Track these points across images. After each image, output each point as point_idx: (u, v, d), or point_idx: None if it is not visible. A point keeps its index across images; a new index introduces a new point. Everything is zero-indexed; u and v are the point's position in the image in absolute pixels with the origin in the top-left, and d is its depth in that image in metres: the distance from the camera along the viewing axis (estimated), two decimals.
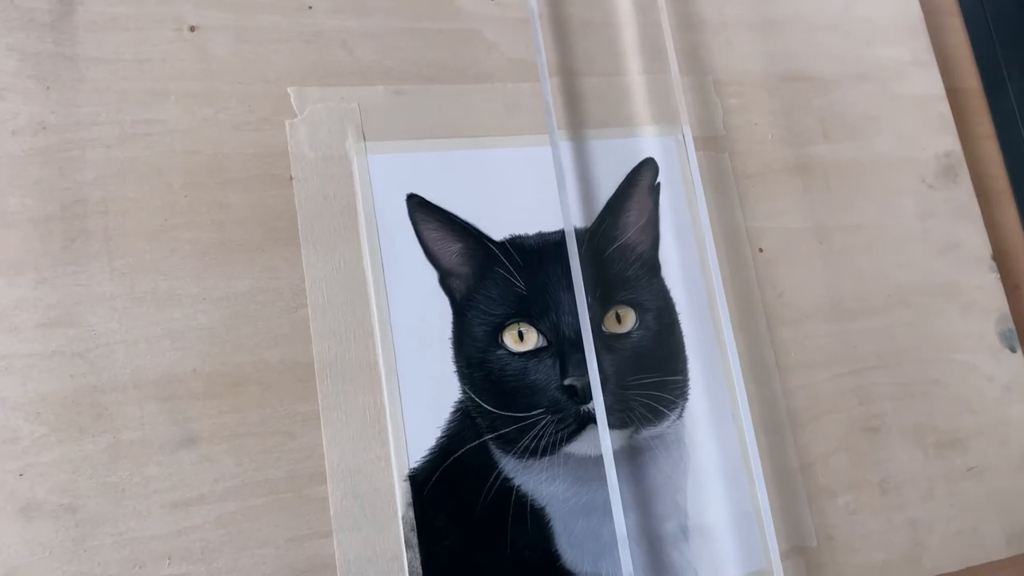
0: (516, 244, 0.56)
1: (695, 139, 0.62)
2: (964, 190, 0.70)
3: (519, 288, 0.55)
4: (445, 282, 0.54)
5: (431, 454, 0.51)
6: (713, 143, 0.64)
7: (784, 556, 0.56)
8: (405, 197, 0.55)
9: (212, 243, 0.51)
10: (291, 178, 0.54)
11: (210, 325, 0.50)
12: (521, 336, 0.54)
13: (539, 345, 0.54)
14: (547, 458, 0.53)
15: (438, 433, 0.52)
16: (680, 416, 0.57)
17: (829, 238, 0.65)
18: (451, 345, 0.53)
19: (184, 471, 0.47)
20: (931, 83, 0.73)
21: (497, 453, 0.53)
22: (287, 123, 0.54)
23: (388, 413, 0.51)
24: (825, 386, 0.62)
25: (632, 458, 0.55)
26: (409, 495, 0.50)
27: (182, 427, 0.48)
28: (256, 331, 0.50)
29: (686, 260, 0.60)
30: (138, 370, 0.48)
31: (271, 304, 0.51)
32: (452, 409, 0.52)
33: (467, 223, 0.56)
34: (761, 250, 0.63)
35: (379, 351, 0.52)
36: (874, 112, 0.70)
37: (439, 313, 0.54)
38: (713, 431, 0.57)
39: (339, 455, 0.50)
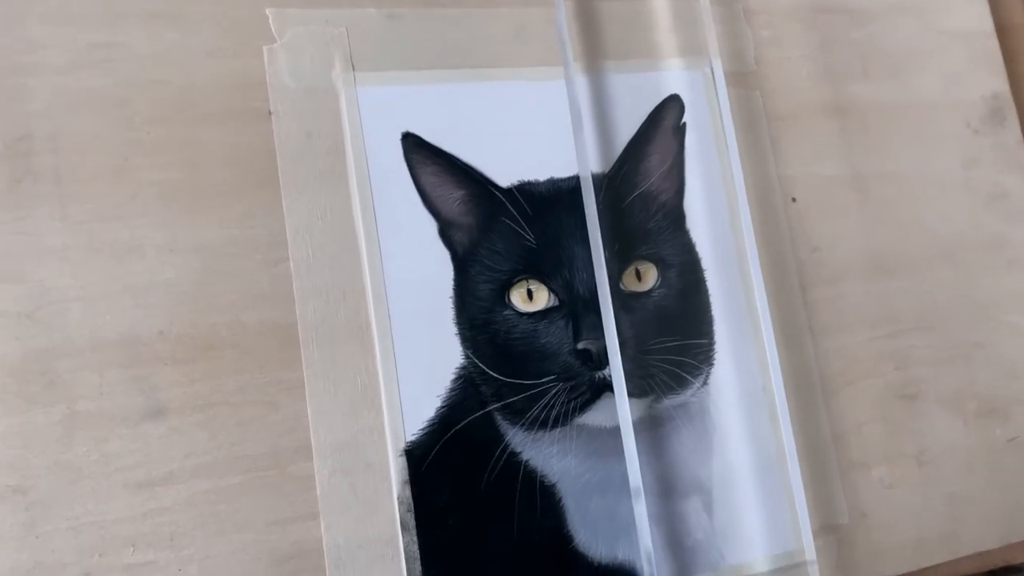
0: (525, 191, 0.50)
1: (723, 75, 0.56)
2: (1012, 135, 0.64)
3: (528, 241, 0.49)
4: (445, 234, 0.48)
5: (430, 426, 0.46)
6: (743, 79, 0.57)
7: (815, 535, 0.51)
8: (400, 137, 0.48)
9: (180, 186, 0.45)
10: (270, 113, 0.47)
11: (178, 280, 0.44)
12: (530, 295, 0.48)
13: (550, 305, 0.49)
14: (558, 430, 0.48)
15: (438, 403, 0.46)
16: (705, 383, 0.51)
17: (866, 187, 0.59)
18: (452, 305, 0.47)
19: (150, 446, 0.42)
20: (979, 18, 0.66)
21: (503, 425, 0.47)
22: (265, 49, 0.48)
23: (382, 380, 0.45)
24: (860, 350, 0.56)
25: (652, 429, 0.50)
26: (406, 472, 0.45)
27: (147, 396, 0.42)
28: (231, 288, 0.44)
29: (714, 211, 0.54)
30: (96, 331, 0.42)
31: (248, 257, 0.45)
32: (453, 376, 0.47)
33: (470, 167, 0.49)
34: (794, 200, 0.57)
35: (371, 311, 0.46)
36: (917, 48, 0.63)
37: (439, 269, 0.48)
38: (740, 400, 0.52)
39: (327, 427, 0.44)
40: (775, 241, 0.55)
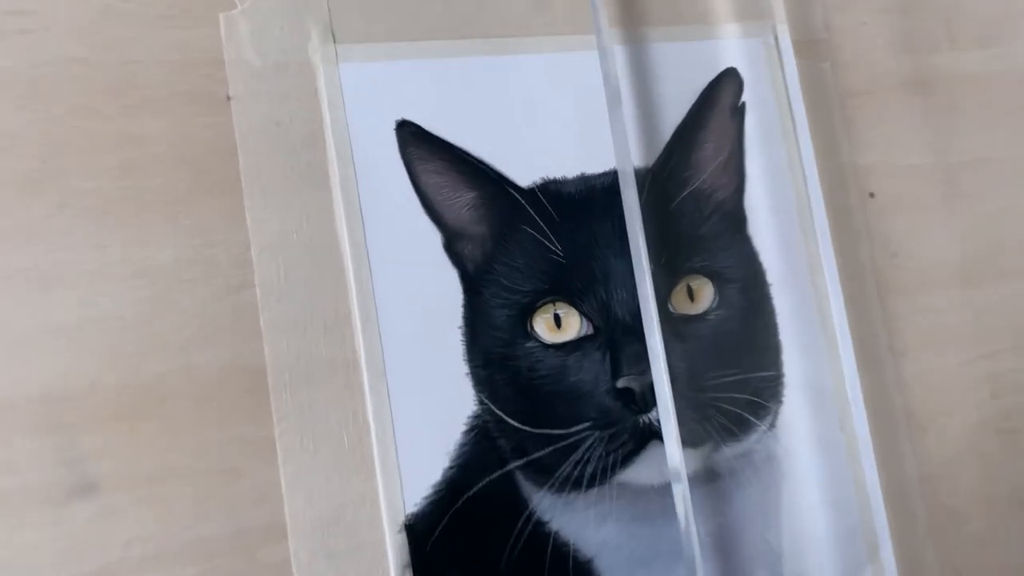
0: (550, 192, 0.40)
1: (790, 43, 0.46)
2: None
3: (555, 254, 0.39)
4: (452, 247, 0.39)
5: (437, 492, 0.36)
6: (812, 49, 0.47)
7: None
8: (394, 126, 0.39)
9: (115, 195, 0.35)
10: (228, 97, 0.37)
11: (116, 315, 0.34)
12: (558, 321, 0.39)
13: (583, 333, 0.39)
14: (595, 490, 0.39)
15: (445, 462, 0.37)
16: (772, 426, 0.42)
17: (955, 178, 0.49)
18: (462, 337, 0.38)
19: (78, 531, 0.33)
20: None
21: (527, 487, 0.38)
22: (222, 17, 0.38)
23: (374, 436, 0.36)
24: (949, 375, 0.47)
25: (710, 485, 0.40)
26: (407, 552, 0.36)
27: (74, 468, 0.33)
28: (183, 323, 0.35)
29: (780, 211, 0.44)
30: (7, 385, 0.33)
31: (203, 282, 0.36)
32: (464, 428, 0.37)
33: (482, 162, 0.40)
34: (872, 195, 0.47)
35: (360, 348, 0.37)
36: (1012, 10, 0.53)
37: (444, 292, 0.38)
38: (814, 443, 0.42)
39: (305, 498, 0.35)
40: (850, 246, 0.46)
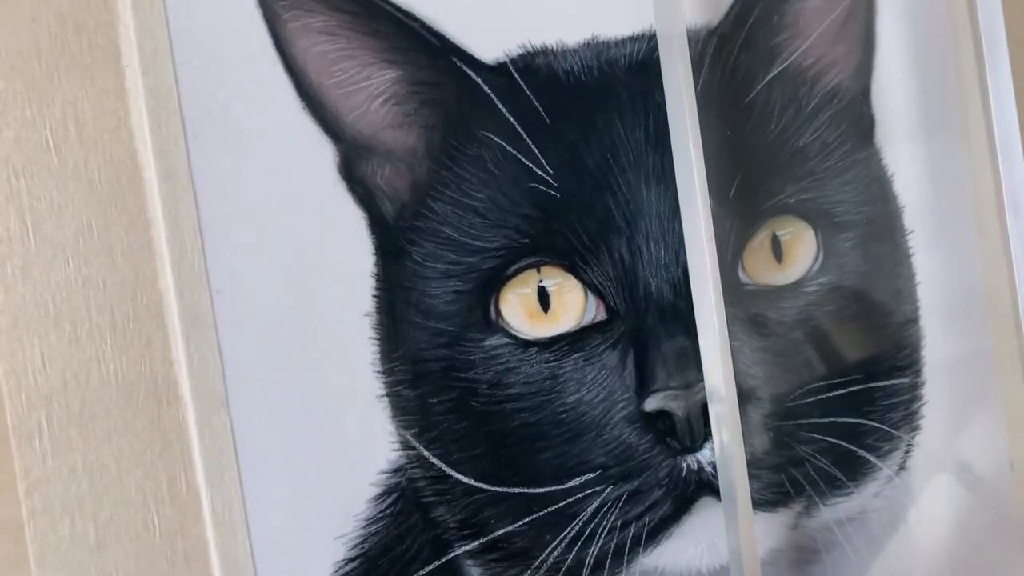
0: (535, 70, 0.23)
1: None
2: None
3: (542, 181, 0.23)
4: (355, 172, 0.22)
5: None
6: None
7: None
8: None
9: None
10: None
11: None
12: (545, 300, 0.23)
13: (588, 320, 0.23)
14: None
15: (340, 552, 0.21)
16: (902, 467, 0.25)
17: None
18: (371, 331, 0.22)
19: None
20: None
21: None
22: None
23: (208, 515, 0.20)
24: None
25: (798, 569, 0.24)
26: None
27: None
28: None
29: (934, 107, 0.26)
30: None
31: None
32: (374, 491, 0.22)
33: (410, 15, 0.22)
34: None
35: (180, 357, 0.20)
36: None
37: (336, 252, 0.22)
38: (969, 498, 0.26)
39: None
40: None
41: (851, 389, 0.25)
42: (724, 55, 0.24)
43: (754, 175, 0.24)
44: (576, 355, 0.23)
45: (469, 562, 0.22)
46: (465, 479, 0.22)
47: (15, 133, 0.20)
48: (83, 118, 0.20)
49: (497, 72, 0.23)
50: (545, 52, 0.23)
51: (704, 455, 0.23)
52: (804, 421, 0.24)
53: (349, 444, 0.21)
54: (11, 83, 0.20)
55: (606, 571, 0.23)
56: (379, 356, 0.22)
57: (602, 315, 0.23)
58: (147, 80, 0.20)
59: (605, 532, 0.23)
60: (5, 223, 0.20)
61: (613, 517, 0.23)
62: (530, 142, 0.23)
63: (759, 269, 0.24)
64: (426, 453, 0.22)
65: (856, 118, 0.25)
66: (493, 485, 0.22)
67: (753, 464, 0.23)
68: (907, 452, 0.26)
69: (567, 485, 0.23)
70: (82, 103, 0.20)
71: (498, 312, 0.23)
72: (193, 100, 0.21)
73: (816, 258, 0.25)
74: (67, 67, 0.20)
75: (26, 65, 0.20)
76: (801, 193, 0.24)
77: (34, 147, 0.20)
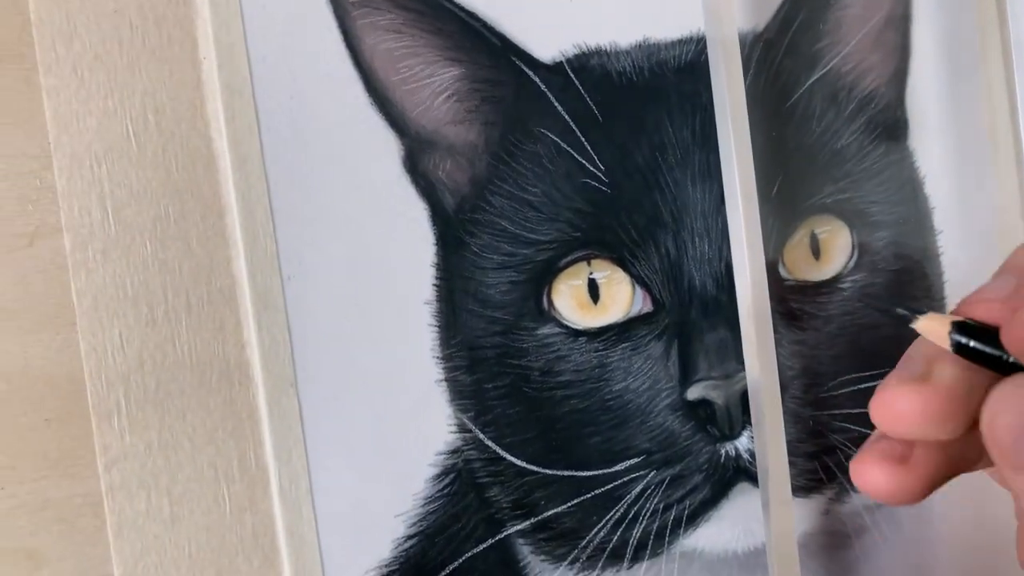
0: (590, 70, 0.24)
1: None
2: None
3: (594, 177, 0.23)
4: (418, 166, 0.23)
5: (386, 573, 0.22)
6: None
7: None
8: None
9: None
10: None
11: None
12: (595, 292, 0.24)
13: (636, 312, 0.24)
14: (646, 565, 0.24)
15: (400, 529, 0.22)
16: None
17: None
18: (431, 319, 0.23)
19: None
20: None
21: (536, 564, 0.23)
22: None
23: (276, 492, 0.21)
24: None
25: (831, 553, 0.25)
26: None
27: None
28: None
29: (965, 112, 0.27)
30: None
31: None
32: (433, 472, 0.22)
33: (473, 15, 0.23)
34: None
35: (252, 340, 0.21)
36: None
37: (400, 243, 0.22)
38: (992, 486, 0.27)
39: None
40: None
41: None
42: (769, 59, 0.25)
43: (795, 175, 0.25)
44: (623, 345, 0.24)
45: (520, 541, 0.23)
46: (518, 461, 0.23)
47: (97, 122, 0.21)
48: (162, 108, 0.21)
49: (554, 71, 0.24)
50: (599, 53, 0.24)
51: (742, 443, 0.24)
52: (837, 411, 0.26)
53: (409, 426, 0.22)
54: (94, 74, 0.21)
55: (648, 551, 0.24)
56: (438, 343, 0.23)
57: (648, 307, 0.24)
58: (223, 73, 0.21)
59: (648, 514, 0.24)
60: (87, 208, 0.20)
61: (656, 500, 0.24)
62: (583, 139, 0.24)
63: (798, 265, 0.25)
64: (481, 436, 0.23)
65: (890, 122, 0.26)
66: (544, 468, 0.23)
67: (788, 451, 0.24)
68: None
69: (613, 469, 0.24)
70: (160, 94, 0.21)
71: (550, 302, 0.23)
72: (266, 93, 0.21)
73: (851, 256, 0.26)
74: (147, 59, 0.21)
75: (108, 56, 0.21)
76: (839, 193, 0.25)
77: (115, 136, 0.21)
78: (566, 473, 0.23)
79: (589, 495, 0.24)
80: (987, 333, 0.16)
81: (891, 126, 0.26)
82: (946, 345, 0.17)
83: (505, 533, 0.23)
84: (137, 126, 0.21)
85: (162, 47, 0.21)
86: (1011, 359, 0.16)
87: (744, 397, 0.24)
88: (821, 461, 0.25)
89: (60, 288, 0.20)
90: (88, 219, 0.20)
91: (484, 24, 0.23)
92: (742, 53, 0.24)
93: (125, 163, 0.21)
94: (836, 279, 0.25)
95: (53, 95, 0.20)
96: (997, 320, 0.16)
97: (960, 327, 0.17)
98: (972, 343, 0.16)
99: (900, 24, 0.26)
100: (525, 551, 0.23)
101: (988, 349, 0.16)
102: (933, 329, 0.17)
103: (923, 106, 0.27)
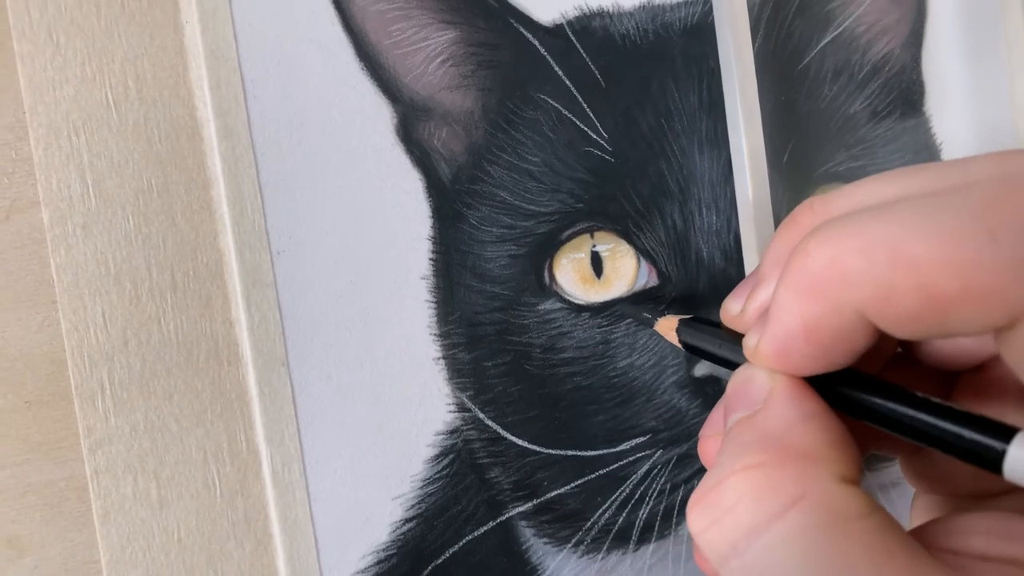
0: (591, 32, 0.23)
1: None
2: None
3: (596, 145, 0.22)
4: (413, 134, 0.22)
5: (382, 564, 0.21)
6: None
7: None
8: None
9: None
10: None
11: None
12: (599, 265, 0.23)
13: (641, 286, 0.23)
14: (651, 547, 0.23)
15: (398, 513, 0.21)
16: None
17: None
18: (427, 295, 0.22)
19: None
20: None
21: (538, 547, 0.23)
22: None
23: (268, 474, 0.20)
24: None
25: None
26: None
27: None
28: None
29: (987, 74, 0.26)
30: None
31: None
32: (431, 452, 0.22)
33: None
34: None
35: (240, 317, 0.20)
36: None
37: (393, 214, 0.21)
38: None
39: None
40: None
41: None
42: (779, 20, 0.24)
43: (806, 142, 0.24)
44: (628, 320, 0.23)
45: (522, 523, 0.22)
46: (519, 441, 0.22)
47: (75, 90, 0.20)
48: (143, 75, 0.20)
49: (554, 34, 0.22)
50: (601, 14, 0.23)
51: None
52: None
53: (406, 405, 0.21)
54: (71, 39, 0.19)
55: (655, 533, 0.23)
56: (435, 319, 0.22)
57: (654, 280, 0.23)
58: (206, 38, 0.20)
59: (655, 495, 0.23)
60: (66, 181, 0.19)
61: (662, 480, 0.23)
62: (585, 106, 0.23)
63: None
64: (481, 415, 0.22)
65: (906, 86, 0.25)
66: (546, 447, 0.22)
67: None
68: None
69: (618, 448, 0.23)
70: (142, 60, 0.20)
71: (552, 277, 0.23)
72: (253, 59, 0.20)
73: None
74: (127, 23, 0.20)
75: (85, 21, 0.20)
76: (851, 161, 0.24)
77: (94, 104, 0.20)
78: (569, 453, 0.23)
79: (593, 475, 0.23)
80: (711, 330, 0.17)
81: (907, 90, 0.25)
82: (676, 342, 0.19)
83: (507, 515, 0.22)
84: (117, 94, 0.20)
85: (142, 10, 0.20)
86: (725, 356, 0.17)
87: None
88: None
89: (39, 265, 0.19)
90: (67, 192, 0.19)
91: None
92: (750, 14, 0.23)
93: (105, 133, 0.20)
94: None
95: (27, 61, 0.19)
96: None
97: (685, 324, 0.18)
98: (692, 340, 0.18)
99: None
100: (527, 534, 0.22)
101: (706, 346, 0.17)
102: (666, 329, 0.19)
103: (940, 70, 0.25)
